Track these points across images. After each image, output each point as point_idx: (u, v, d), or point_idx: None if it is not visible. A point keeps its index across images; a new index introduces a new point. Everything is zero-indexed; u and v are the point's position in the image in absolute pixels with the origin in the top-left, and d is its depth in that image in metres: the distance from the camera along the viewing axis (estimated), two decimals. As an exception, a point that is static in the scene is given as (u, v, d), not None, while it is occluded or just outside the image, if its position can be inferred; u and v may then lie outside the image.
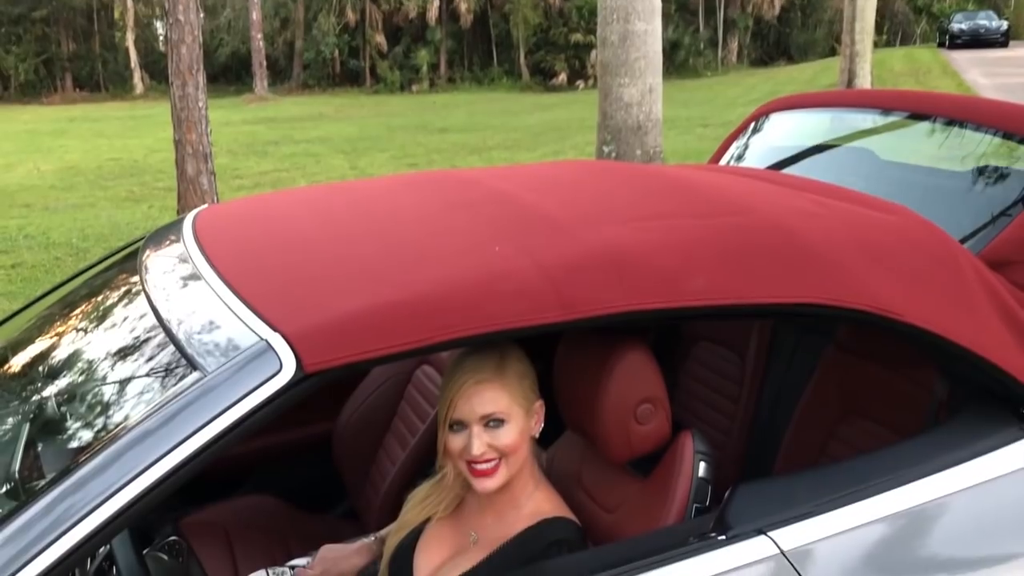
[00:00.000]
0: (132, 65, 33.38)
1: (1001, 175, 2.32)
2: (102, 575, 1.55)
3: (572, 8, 31.59)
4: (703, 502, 1.62)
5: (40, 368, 1.76)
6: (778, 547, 1.44)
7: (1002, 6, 37.73)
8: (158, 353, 1.41)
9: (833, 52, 29.70)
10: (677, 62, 32.29)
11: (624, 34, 6.85)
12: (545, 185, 2.02)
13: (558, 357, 1.82)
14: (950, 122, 2.50)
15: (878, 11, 19.82)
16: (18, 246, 8.77)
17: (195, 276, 1.56)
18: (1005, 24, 31.02)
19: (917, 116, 2.55)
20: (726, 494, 1.54)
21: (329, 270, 1.51)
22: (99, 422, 1.44)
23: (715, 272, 1.54)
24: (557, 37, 31.80)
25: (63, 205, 11.25)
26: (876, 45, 24.44)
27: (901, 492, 1.57)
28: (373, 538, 1.98)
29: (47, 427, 1.54)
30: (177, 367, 1.33)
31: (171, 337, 1.40)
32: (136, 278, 1.71)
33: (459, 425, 1.60)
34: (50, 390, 1.66)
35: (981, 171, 2.34)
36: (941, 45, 30.82)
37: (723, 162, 3.12)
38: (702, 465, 1.64)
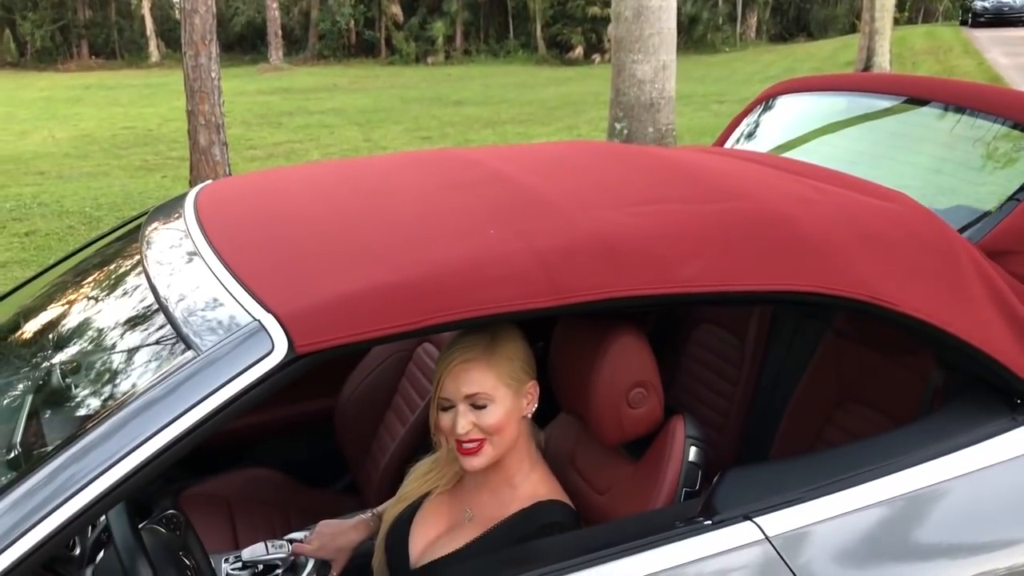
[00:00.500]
0: (148, 33, 33.34)
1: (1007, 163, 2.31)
2: (101, 546, 1.59)
3: (590, -19, 31.29)
4: (693, 486, 1.64)
5: (41, 340, 1.78)
6: (763, 533, 1.45)
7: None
8: (153, 330, 1.43)
9: (854, 29, 29.34)
10: (695, 37, 31.99)
11: (638, 10, 6.80)
12: (546, 167, 2.02)
13: (554, 339, 1.83)
14: (959, 109, 2.48)
15: (900, -12, 19.59)
16: (32, 214, 8.83)
17: (193, 253, 1.58)
18: (1029, 2, 30.54)
19: (918, 102, 2.53)
20: (714, 479, 1.55)
21: (325, 250, 1.52)
22: (93, 398, 1.46)
23: (708, 259, 1.54)
24: (574, 10, 31.52)
25: (77, 173, 11.30)
26: (897, 22, 24.17)
27: (890, 480, 1.58)
28: (371, 514, 2.00)
29: (44, 399, 1.57)
30: (172, 345, 1.35)
31: (167, 315, 1.41)
32: (137, 254, 1.73)
33: (447, 403, 1.62)
34: (49, 362, 1.68)
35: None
36: (964, 23, 30.40)
37: (730, 142, 3.11)
38: (692, 450, 1.65)
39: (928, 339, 1.68)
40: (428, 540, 1.73)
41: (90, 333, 1.66)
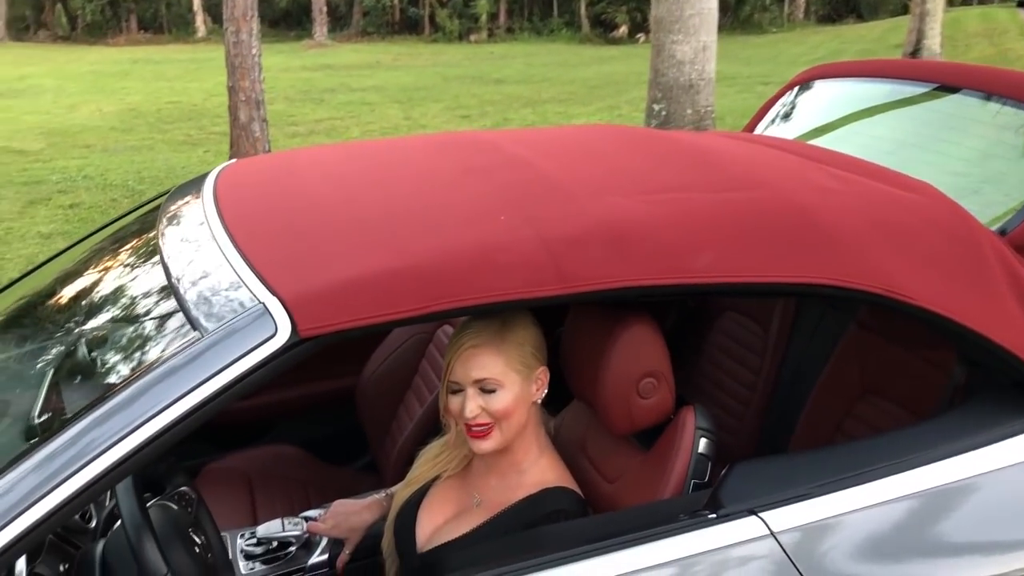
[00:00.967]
0: (195, 8, 33.62)
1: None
2: (113, 521, 1.62)
3: (636, -41, 30.89)
4: (702, 478, 1.62)
5: (58, 315, 1.81)
6: (769, 528, 1.44)
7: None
8: (162, 310, 1.45)
9: (905, 10, 28.65)
10: (741, 17, 31.47)
11: (679, -11, 6.70)
12: (565, 152, 2.01)
13: (566, 326, 1.82)
14: (995, 97, 2.41)
15: (956, -33, 19.04)
16: (77, 186, 8.98)
17: (206, 234, 1.59)
18: (1092, -17, 29.59)
19: (954, 89, 2.47)
20: (722, 472, 1.54)
21: (335, 234, 1.53)
22: (99, 376, 1.49)
23: (721, 249, 1.52)
24: (619, -12, 31.17)
25: (122, 147, 11.46)
26: (952, 3, 23.53)
27: (905, 477, 1.55)
28: (384, 494, 2.02)
29: (54, 374, 1.59)
30: (178, 325, 1.36)
31: (176, 295, 1.43)
32: (154, 232, 1.75)
33: (456, 387, 1.63)
34: (62, 338, 1.71)
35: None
36: (1021, 5, 29.56)
37: (762, 126, 3.06)
38: (703, 441, 1.63)
39: (947, 333, 1.65)
40: (435, 525, 1.74)
41: (103, 311, 1.69)
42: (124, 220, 2.19)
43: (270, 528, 2.05)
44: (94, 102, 15.71)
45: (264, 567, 2.01)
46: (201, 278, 1.44)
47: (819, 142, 2.71)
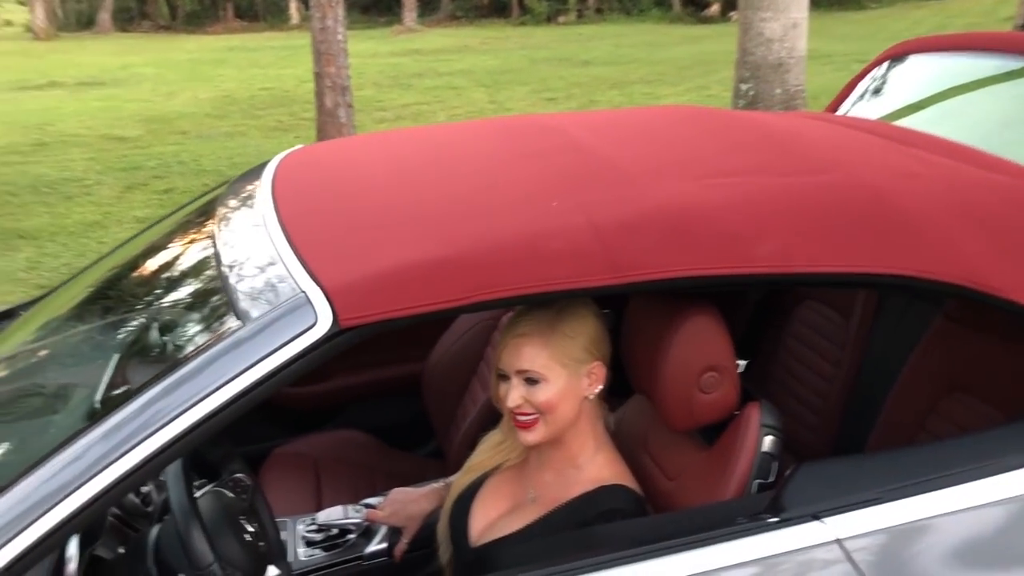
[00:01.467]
0: (289, -5, 34.27)
1: None
2: (168, 508, 1.62)
3: (729, -65, 30.12)
4: (766, 478, 1.54)
5: (121, 298, 1.83)
6: (834, 535, 1.35)
7: None
8: (210, 298, 1.44)
9: (1017, -19, 27.22)
10: (840, -8, 30.41)
11: (768, -36, 6.47)
12: (628, 135, 1.93)
13: (626, 315, 1.75)
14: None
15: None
16: (171, 172, 9.25)
17: (259, 220, 1.58)
18: None
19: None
20: (786, 473, 1.45)
21: (383, 221, 1.49)
22: (144, 365, 1.49)
23: (787, 236, 1.43)
24: (712, -35, 30.46)
25: (216, 133, 11.75)
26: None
27: (987, 483, 1.44)
28: (443, 483, 1.99)
29: (99, 360, 1.60)
30: (224, 314, 1.35)
31: (223, 282, 1.42)
32: (213, 218, 1.75)
33: (503, 373, 1.59)
34: (121, 321, 1.72)
35: None
36: None
37: (848, 104, 2.91)
38: (768, 439, 1.55)
39: (1039, 328, 1.52)
40: (489, 519, 1.70)
41: (156, 298, 1.70)
42: (190, 207, 2.20)
43: (330, 515, 2.05)
44: (191, 89, 16.16)
45: (323, 554, 2.01)
46: (249, 266, 1.43)
47: (911, 121, 2.55)
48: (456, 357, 2.61)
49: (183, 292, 1.59)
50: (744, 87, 6.83)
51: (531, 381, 1.56)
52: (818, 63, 12.99)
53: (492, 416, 2.40)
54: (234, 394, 1.21)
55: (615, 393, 1.87)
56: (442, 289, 1.30)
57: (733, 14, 29.51)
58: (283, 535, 2.08)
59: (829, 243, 1.42)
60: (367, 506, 2.07)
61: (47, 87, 16.52)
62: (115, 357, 1.51)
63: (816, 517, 1.36)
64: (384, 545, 2.00)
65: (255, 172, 1.98)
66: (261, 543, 1.58)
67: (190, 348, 1.32)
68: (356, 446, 2.66)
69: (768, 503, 1.41)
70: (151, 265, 1.85)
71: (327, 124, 8.39)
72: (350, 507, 2.09)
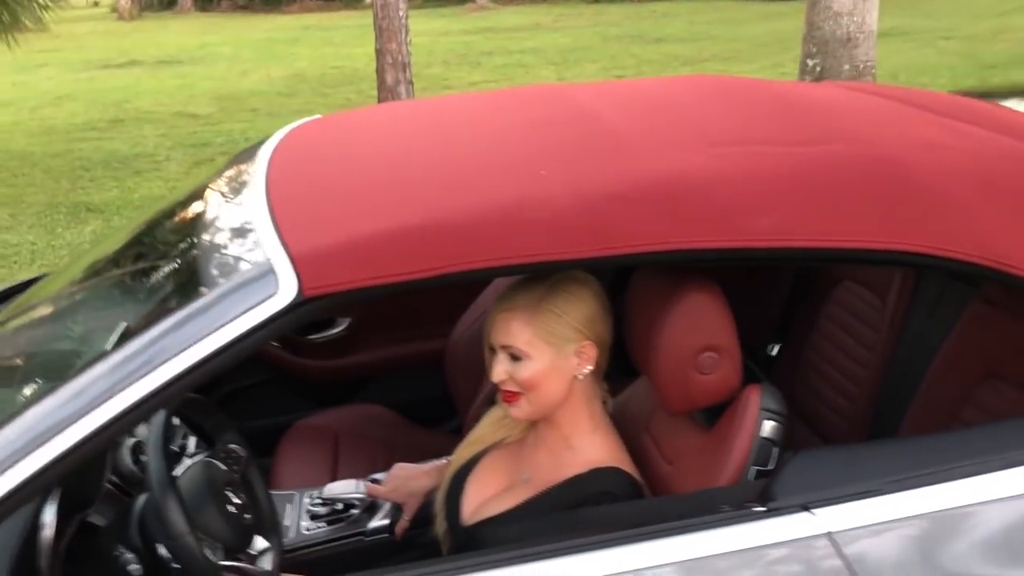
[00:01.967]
0: (364, -25, 34.52)
1: None
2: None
3: (812, -93, 29.17)
4: (765, 464, 1.45)
5: (120, 261, 1.83)
6: (824, 527, 1.26)
7: None
8: (188, 264, 1.42)
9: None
10: (928, -35, 29.24)
11: (838, -66, 6.22)
12: (649, 106, 1.85)
13: (627, 293, 1.68)
14: None
15: None
16: (238, 148, 9.25)
17: (247, 187, 1.55)
18: None
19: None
20: (779, 460, 1.37)
21: (370, 191, 1.45)
22: (112, 328, 1.47)
23: (789, 209, 1.34)
24: (793, -61, 29.60)
25: (285, 111, 11.89)
26: None
27: (996, 477, 1.33)
28: (446, 460, 1.95)
29: (69, 329, 1.60)
30: (196, 280, 1.33)
31: (201, 248, 1.40)
32: (208, 187, 1.73)
33: (491, 348, 1.55)
34: (108, 286, 1.72)
35: None
36: None
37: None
38: (767, 424, 1.46)
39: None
40: (483, 497, 1.66)
41: (146, 264, 1.68)
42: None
43: (334, 489, 2.04)
44: (264, 68, 16.39)
45: (326, 528, 1.99)
46: (225, 231, 1.40)
47: None
48: (478, 334, 2.55)
49: (168, 260, 1.58)
50: (811, 63, 6.60)
51: (515, 357, 1.51)
52: (897, 40, 12.53)
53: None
54: (191, 364, 1.19)
55: (626, 373, 1.81)
56: (414, 259, 1.25)
57: (814, -10, 28.69)
58: (289, 508, 2.07)
59: (833, 216, 1.33)
60: (374, 481, 2.05)
61: (127, 66, 16.96)
62: (94, 324, 1.51)
63: (806, 508, 1.28)
64: (386, 521, 1.97)
65: (258, 145, 1.95)
66: (247, 515, 1.56)
67: (159, 316, 1.30)
68: (378, 421, 2.64)
69: (758, 492, 1.33)
70: (155, 233, 1.84)
71: (387, 101, 8.41)
72: (360, 482, 2.07)
